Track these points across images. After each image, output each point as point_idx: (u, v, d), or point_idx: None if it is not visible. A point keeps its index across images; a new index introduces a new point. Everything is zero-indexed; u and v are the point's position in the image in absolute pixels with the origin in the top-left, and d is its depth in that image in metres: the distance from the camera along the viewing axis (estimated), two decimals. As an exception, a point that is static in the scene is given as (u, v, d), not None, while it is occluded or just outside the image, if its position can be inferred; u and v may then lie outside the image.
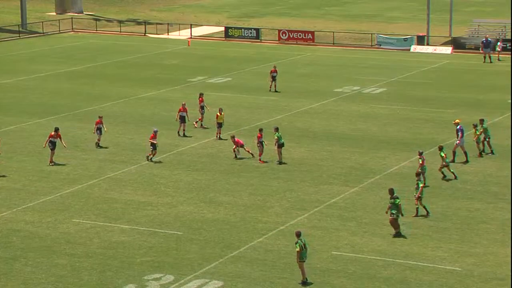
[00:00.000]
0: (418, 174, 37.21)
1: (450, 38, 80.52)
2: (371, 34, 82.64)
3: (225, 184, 40.87)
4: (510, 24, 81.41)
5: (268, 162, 43.71)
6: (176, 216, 36.85)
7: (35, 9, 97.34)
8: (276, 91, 60.18)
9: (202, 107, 51.09)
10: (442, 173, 41.17)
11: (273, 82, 60.63)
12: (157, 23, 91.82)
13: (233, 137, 44.59)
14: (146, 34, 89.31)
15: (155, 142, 43.72)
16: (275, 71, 60.80)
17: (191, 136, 48.76)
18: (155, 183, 41.14)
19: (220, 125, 47.76)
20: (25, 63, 72.95)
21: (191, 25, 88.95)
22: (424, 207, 36.76)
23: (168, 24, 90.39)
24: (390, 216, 34.41)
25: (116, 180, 41.49)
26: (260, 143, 43.78)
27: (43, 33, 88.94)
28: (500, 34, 79.89)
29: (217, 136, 47.89)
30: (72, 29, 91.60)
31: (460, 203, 38.49)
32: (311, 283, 30.09)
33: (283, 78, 66.57)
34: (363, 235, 34.79)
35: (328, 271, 31.49)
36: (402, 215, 34.54)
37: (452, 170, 41.07)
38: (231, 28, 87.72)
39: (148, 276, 30.84)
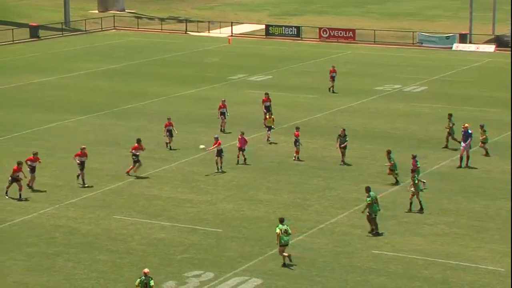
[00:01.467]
0: (413, 171, 37.00)
1: (493, 36, 79.91)
2: (413, 32, 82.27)
3: (264, 182, 40.94)
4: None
5: (303, 161, 43.58)
6: (215, 214, 36.98)
7: (78, 7, 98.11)
8: (333, 92, 59.62)
9: (266, 107, 50.45)
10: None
11: (333, 83, 59.72)
12: (198, 21, 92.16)
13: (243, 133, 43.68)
14: (187, 32, 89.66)
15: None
16: (334, 71, 59.95)
17: (230, 132, 48.81)
18: (195, 180, 41.31)
19: (269, 128, 47.20)
20: (66, 61, 73.57)
21: (231, 23, 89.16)
22: (420, 202, 36.71)
23: (209, 22, 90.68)
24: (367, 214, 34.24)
25: (157, 178, 41.74)
26: (296, 142, 43.72)
27: (86, 31, 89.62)
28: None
29: (267, 139, 47.25)
30: (114, 27, 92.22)
31: (501, 203, 38.22)
32: (294, 265, 30.19)
33: (324, 76, 66.50)
34: (403, 234, 34.68)
35: (368, 270, 31.44)
36: (379, 209, 34.47)
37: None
38: (271, 26, 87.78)
39: (188, 273, 31.00)
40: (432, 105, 56.81)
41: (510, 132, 48.75)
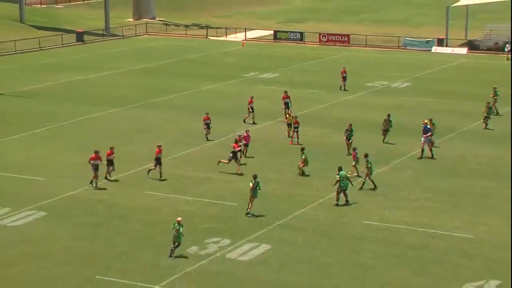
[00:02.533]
0: (366, 155, 36.99)
1: (466, 41, 79.41)
2: (398, 37, 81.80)
3: (273, 164, 40.83)
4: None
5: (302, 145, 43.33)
6: (232, 190, 36.93)
7: (116, 16, 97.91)
8: (345, 90, 58.44)
9: (286, 103, 49.27)
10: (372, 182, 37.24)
11: (344, 82, 58.47)
12: (217, 27, 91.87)
13: (247, 131, 41.86)
14: (208, 37, 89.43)
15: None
16: (345, 72, 58.65)
17: (256, 123, 48.32)
18: (215, 162, 41.21)
19: (289, 125, 45.25)
20: (107, 61, 73.50)
21: (245, 29, 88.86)
22: (372, 181, 36.54)
23: (226, 28, 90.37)
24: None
25: (181, 160, 41.69)
26: (296, 128, 43.67)
27: (123, 36, 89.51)
28: (509, 37, 78.51)
29: (288, 135, 45.01)
30: (146, 32, 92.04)
31: (475, 181, 38.07)
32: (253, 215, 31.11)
33: (323, 74, 66.35)
34: (389, 208, 34.60)
35: (360, 237, 31.38)
36: (351, 184, 34.95)
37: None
38: (279, 31, 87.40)
39: (208, 240, 31.01)
40: (415, 98, 56.53)
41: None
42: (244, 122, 48.58)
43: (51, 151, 43.43)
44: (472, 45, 77.86)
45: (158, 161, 37.96)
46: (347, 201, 34.82)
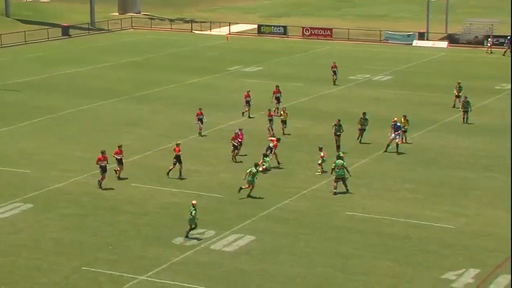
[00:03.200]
0: (338, 148, 37.91)
1: (446, 34, 79.62)
2: (380, 31, 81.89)
3: (259, 155, 40.67)
4: (497, 23, 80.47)
5: (290, 135, 43.36)
6: (217, 182, 36.89)
7: (101, 10, 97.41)
8: (335, 84, 58.01)
9: (277, 98, 48.98)
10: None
11: (335, 76, 57.95)
12: (201, 22, 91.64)
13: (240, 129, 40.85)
14: (192, 31, 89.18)
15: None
16: (335, 66, 58.12)
17: (253, 117, 48.11)
18: (200, 154, 41.20)
19: (284, 122, 44.77)
20: (93, 55, 73.16)
21: (229, 23, 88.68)
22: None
23: (210, 22, 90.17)
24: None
25: (168, 152, 41.56)
26: (270, 120, 43.59)
27: (108, 30, 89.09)
28: (488, 31, 78.87)
29: (283, 132, 44.19)
30: (132, 26, 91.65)
31: (455, 172, 38.23)
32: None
33: (307, 67, 66.38)
34: (372, 198, 34.69)
35: (343, 228, 31.45)
36: (349, 174, 35.17)
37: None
38: (263, 25, 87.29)
39: (194, 231, 30.93)
40: (396, 91, 56.66)
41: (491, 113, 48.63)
42: (243, 115, 48.22)
43: (40, 144, 43.21)
44: (452, 39, 78.08)
45: (178, 160, 36.88)
46: (347, 189, 35.00)
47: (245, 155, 39.94)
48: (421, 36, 79.23)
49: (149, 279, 27.02)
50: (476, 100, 51.24)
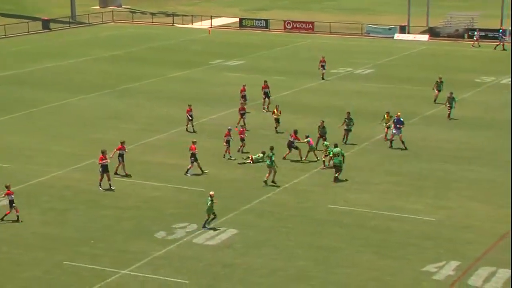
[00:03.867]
0: (324, 139, 38.48)
1: (427, 28, 79.88)
2: (361, 24, 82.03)
3: (254, 149, 40.62)
4: (477, 16, 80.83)
5: (283, 133, 43.20)
6: (199, 176, 36.82)
7: (82, 3, 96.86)
8: (323, 79, 57.64)
9: (265, 93, 48.56)
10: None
11: (323, 70, 57.53)
12: (183, 15, 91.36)
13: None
14: (174, 24, 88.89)
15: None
16: (324, 61, 57.72)
17: (249, 112, 47.77)
18: (182, 148, 41.05)
19: (277, 120, 43.76)
20: (74, 49, 72.76)
21: (211, 16, 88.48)
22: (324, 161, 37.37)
23: (192, 16, 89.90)
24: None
25: (150, 146, 41.49)
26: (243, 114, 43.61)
27: (89, 23, 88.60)
28: (469, 24, 79.19)
29: (276, 130, 43.74)
30: (113, 20, 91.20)
31: (436, 165, 38.39)
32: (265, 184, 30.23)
33: (289, 61, 66.37)
34: (354, 191, 34.77)
35: (325, 221, 31.51)
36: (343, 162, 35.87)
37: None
38: (244, 19, 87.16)
39: (176, 225, 30.94)
40: (377, 84, 56.80)
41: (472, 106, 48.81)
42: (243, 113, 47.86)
43: (21, 138, 42.94)
44: (433, 32, 78.33)
45: (194, 158, 36.47)
46: (336, 177, 35.59)
47: (247, 152, 39.56)
48: (403, 30, 79.44)
49: (131, 273, 26.96)
50: (456, 93, 51.35)
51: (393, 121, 41.00)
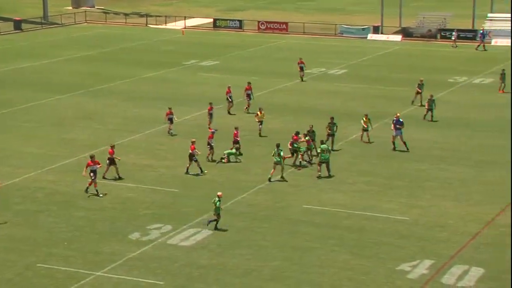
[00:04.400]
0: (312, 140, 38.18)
1: (400, 28, 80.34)
2: (335, 24, 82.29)
3: (215, 150, 40.63)
4: (449, 16, 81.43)
5: (267, 136, 43.29)
6: (173, 176, 36.73)
7: (54, 4, 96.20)
8: (302, 80, 57.30)
9: (248, 95, 48.26)
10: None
11: (302, 72, 57.34)
12: (156, 16, 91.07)
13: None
14: (147, 25, 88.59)
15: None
16: (302, 62, 57.47)
17: (235, 114, 47.61)
18: (156, 149, 40.97)
19: (261, 123, 43.04)
20: (47, 50, 72.24)
21: (185, 17, 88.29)
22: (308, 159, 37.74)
23: (165, 16, 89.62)
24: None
25: (123, 147, 41.26)
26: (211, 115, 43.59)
27: (62, 24, 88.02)
28: (441, 24, 79.76)
29: (259, 134, 43.10)
30: (86, 21, 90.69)
31: (410, 164, 38.59)
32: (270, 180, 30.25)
33: (262, 61, 66.42)
34: (328, 191, 34.85)
35: (299, 221, 31.55)
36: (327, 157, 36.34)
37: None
38: (218, 19, 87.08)
39: (150, 226, 30.81)
40: (351, 85, 57.01)
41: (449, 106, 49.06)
42: (229, 113, 47.51)
43: (-9, 140, 42.52)
44: (406, 32, 78.77)
45: (190, 158, 36.44)
46: (329, 174, 36.11)
47: (241, 154, 39.38)
48: (376, 30, 79.81)
49: (105, 274, 26.79)
50: (429, 93, 51.66)
51: (393, 122, 40.65)
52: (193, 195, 34.22)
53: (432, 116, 46.33)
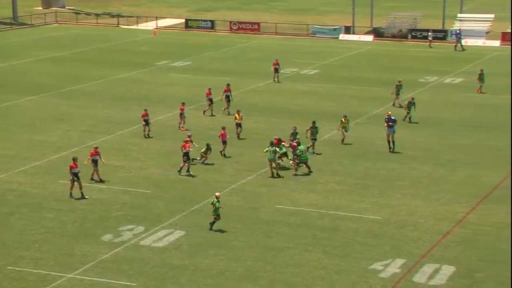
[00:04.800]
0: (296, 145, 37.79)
1: (371, 28, 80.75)
2: (307, 25, 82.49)
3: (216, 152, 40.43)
4: (420, 17, 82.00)
5: (245, 139, 43.12)
6: (146, 177, 36.59)
7: (24, 4, 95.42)
8: (278, 82, 57.06)
9: (227, 96, 47.96)
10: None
11: (276, 74, 57.14)
12: (128, 16, 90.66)
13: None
14: (119, 25, 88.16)
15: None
16: (277, 64, 57.23)
17: (214, 115, 47.34)
18: (128, 150, 40.79)
19: (239, 125, 42.50)
20: (17, 50, 71.61)
21: (156, 17, 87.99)
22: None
23: (137, 16, 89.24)
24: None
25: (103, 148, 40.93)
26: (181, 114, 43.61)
27: (32, 24, 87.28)
28: (412, 25, 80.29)
29: (238, 136, 42.45)
30: (56, 21, 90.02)
31: (381, 164, 38.78)
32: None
33: (234, 61, 66.38)
34: (301, 191, 34.92)
35: (272, 221, 31.57)
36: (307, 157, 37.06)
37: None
38: (190, 20, 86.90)
39: (122, 227, 30.67)
40: (323, 85, 57.18)
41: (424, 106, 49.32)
42: (211, 114, 47.37)
43: (-40, 142, 42.08)
44: (377, 33, 79.18)
45: (187, 156, 36.32)
46: (310, 171, 36.77)
47: (230, 156, 39.24)
48: (347, 30, 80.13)
49: (77, 276, 26.62)
50: (408, 94, 51.99)
51: (385, 120, 40.54)
52: (166, 196, 34.11)
53: (410, 118, 46.41)
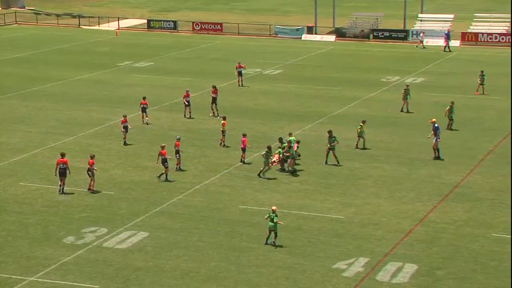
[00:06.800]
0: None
1: (333, 28, 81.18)
2: (269, 25, 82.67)
3: (149, 151, 40.48)
4: (381, 17, 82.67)
5: (230, 147, 43.20)
6: (108, 179, 36.37)
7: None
8: (242, 86, 56.31)
9: (213, 99, 47.41)
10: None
11: (240, 77, 56.35)
12: (89, 17, 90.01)
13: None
14: (80, 26, 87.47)
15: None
16: (241, 67, 56.35)
17: (193, 118, 47.12)
18: (90, 151, 40.43)
19: (223, 132, 41.55)
20: (-24, 51, 70.72)
21: (118, 18, 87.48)
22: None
23: (99, 17, 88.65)
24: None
25: (57, 150, 40.60)
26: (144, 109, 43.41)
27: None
28: (373, 25, 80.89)
29: (221, 144, 41.55)
30: (16, 21, 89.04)
31: (343, 163, 38.98)
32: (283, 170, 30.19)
33: (197, 62, 66.27)
34: (264, 191, 34.99)
35: (236, 222, 31.60)
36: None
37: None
38: (152, 20, 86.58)
39: (85, 229, 30.46)
40: (286, 84, 57.35)
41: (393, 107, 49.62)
42: (185, 116, 47.03)
43: None
44: (339, 33, 79.64)
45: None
46: (283, 169, 37.26)
47: (130, 144, 39.12)
48: (310, 30, 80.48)
49: (39, 279, 26.37)
50: (362, 92, 52.52)
51: (432, 129, 39.41)
52: (129, 198, 33.95)
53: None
